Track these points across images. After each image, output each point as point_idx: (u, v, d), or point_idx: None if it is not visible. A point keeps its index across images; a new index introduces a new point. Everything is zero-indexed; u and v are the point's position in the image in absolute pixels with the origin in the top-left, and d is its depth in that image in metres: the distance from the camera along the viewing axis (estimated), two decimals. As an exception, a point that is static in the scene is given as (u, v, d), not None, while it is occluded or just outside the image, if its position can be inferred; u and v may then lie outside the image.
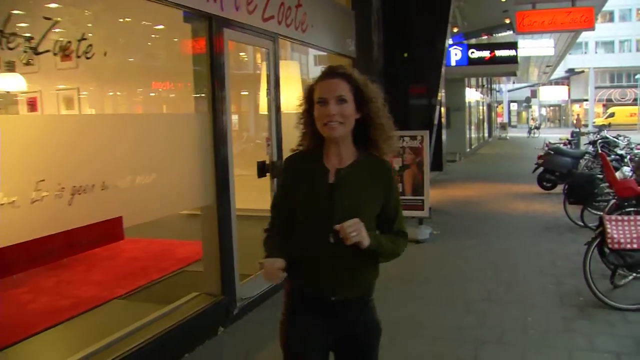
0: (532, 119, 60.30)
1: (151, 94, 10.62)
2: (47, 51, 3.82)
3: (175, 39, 7.64)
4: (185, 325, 4.91)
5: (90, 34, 4.56)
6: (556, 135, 25.00)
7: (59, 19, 4.11)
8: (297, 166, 2.54)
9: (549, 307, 5.76)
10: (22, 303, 5.84)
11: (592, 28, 14.39)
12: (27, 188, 3.53)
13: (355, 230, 2.23)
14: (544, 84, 58.43)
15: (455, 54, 17.94)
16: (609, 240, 5.55)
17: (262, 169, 6.24)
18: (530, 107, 65.50)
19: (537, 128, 46.00)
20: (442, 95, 12.66)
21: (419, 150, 8.82)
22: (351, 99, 2.36)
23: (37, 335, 4.99)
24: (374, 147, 2.48)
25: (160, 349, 4.60)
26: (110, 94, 10.02)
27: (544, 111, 71.32)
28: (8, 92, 7.39)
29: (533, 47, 22.59)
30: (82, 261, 7.02)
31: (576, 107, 63.97)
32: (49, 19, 3.94)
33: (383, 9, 10.14)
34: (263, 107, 6.79)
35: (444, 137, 15.98)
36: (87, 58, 4.07)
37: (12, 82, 6.79)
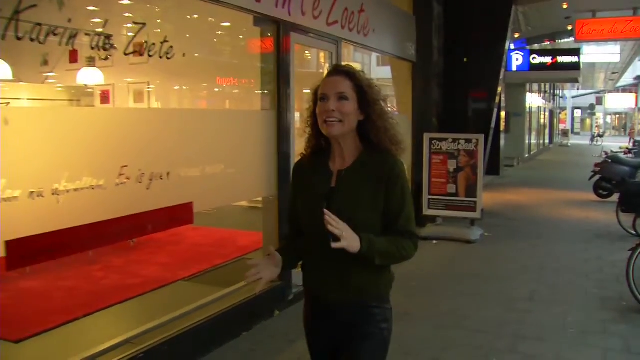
0: (597, 126, 58.88)
1: (216, 90, 11.14)
2: (135, 52, 4.26)
3: (243, 41, 8.05)
4: (244, 306, 5.31)
5: (160, 30, 4.98)
6: (619, 144, 24.51)
7: (143, 22, 4.53)
8: (304, 170, 2.51)
9: (590, 309, 5.91)
10: (96, 279, 6.39)
11: (653, 37, 14.20)
12: (113, 172, 3.99)
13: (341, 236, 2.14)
14: (610, 91, 56.82)
15: (516, 59, 17.84)
16: (653, 248, 5.70)
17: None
18: (594, 114, 63.88)
19: (601, 136, 45.01)
20: (501, 99, 12.71)
21: (474, 153, 9.04)
22: (353, 98, 2.30)
23: (110, 308, 5.51)
24: (382, 149, 2.37)
25: (220, 326, 5.04)
26: (177, 88, 10.60)
27: (609, 119, 69.45)
28: (86, 85, 7.99)
29: (598, 53, 22.12)
30: (148, 245, 7.58)
31: (643, 116, 61.90)
32: (138, 23, 4.38)
33: (444, 15, 10.36)
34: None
35: (502, 141, 15.93)
36: (168, 59, 4.49)
37: (93, 76, 7.37)
